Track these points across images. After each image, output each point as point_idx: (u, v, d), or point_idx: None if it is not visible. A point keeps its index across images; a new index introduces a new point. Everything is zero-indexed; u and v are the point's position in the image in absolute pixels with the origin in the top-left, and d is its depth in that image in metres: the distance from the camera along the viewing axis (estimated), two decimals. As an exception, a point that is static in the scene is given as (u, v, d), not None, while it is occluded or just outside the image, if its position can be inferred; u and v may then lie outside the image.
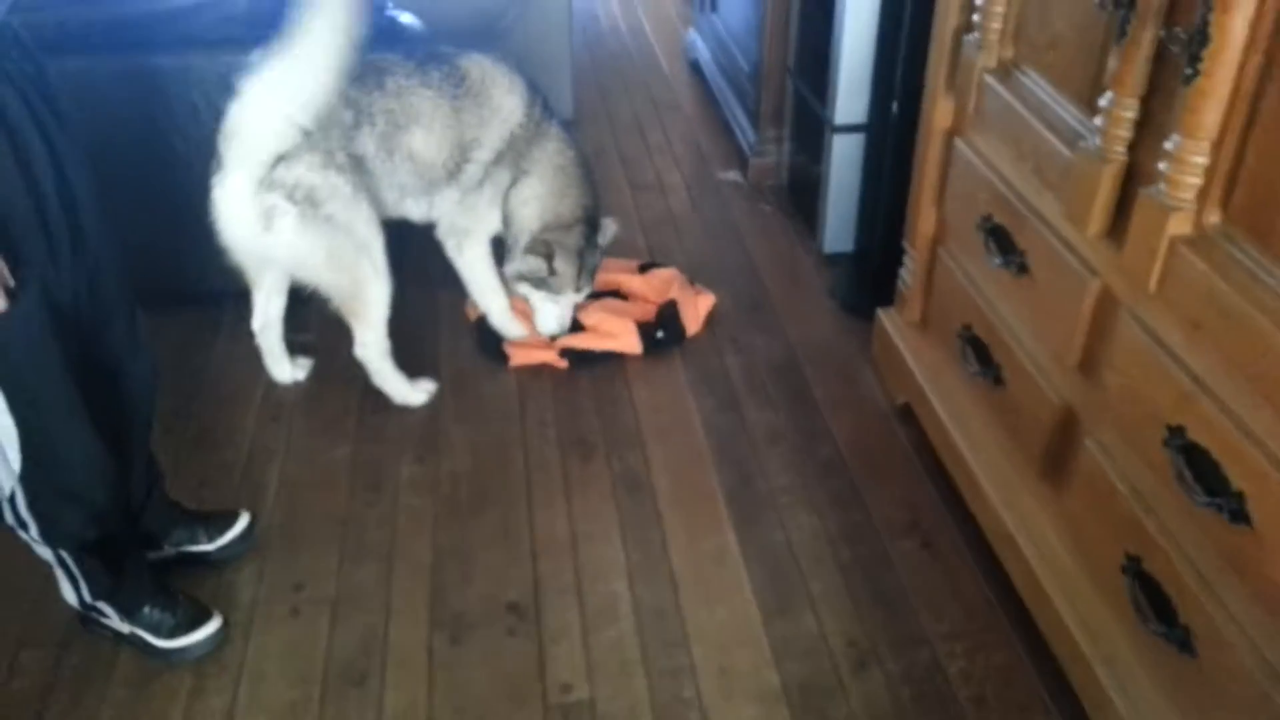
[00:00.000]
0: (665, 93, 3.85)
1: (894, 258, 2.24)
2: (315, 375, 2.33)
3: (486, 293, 2.33)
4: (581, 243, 2.25)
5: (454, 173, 2.11)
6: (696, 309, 2.48)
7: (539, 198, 2.20)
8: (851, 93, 2.48)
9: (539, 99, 2.16)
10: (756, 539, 1.90)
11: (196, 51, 2.13)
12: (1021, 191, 1.62)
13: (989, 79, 1.65)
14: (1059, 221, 1.51)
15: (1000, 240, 1.70)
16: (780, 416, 2.22)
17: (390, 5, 2.29)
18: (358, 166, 1.97)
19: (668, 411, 2.24)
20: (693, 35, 4.01)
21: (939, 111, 1.87)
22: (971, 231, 1.79)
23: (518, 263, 2.24)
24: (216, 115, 1.90)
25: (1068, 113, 1.47)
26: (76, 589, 1.58)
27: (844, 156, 2.59)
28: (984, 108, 1.69)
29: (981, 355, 1.83)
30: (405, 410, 2.22)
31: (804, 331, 2.49)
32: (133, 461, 1.66)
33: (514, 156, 2.15)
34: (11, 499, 1.45)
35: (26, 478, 1.42)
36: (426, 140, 2.03)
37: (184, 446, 2.11)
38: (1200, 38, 1.03)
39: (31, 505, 1.45)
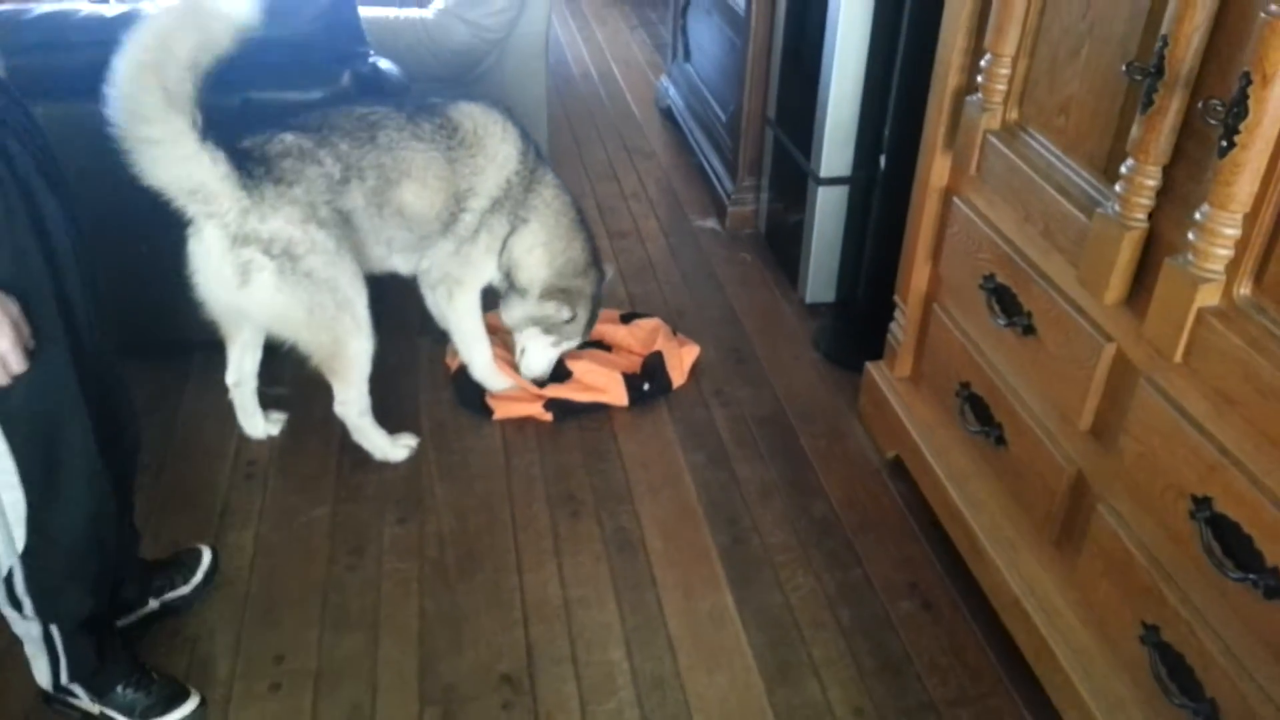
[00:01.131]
0: (638, 139, 3.84)
1: (880, 310, 2.22)
2: (290, 430, 2.24)
3: (472, 343, 2.27)
4: (597, 289, 2.28)
5: (448, 224, 2.07)
6: (681, 360, 2.45)
7: (544, 244, 2.19)
8: (836, 145, 2.48)
9: (532, 145, 2.14)
10: (754, 600, 1.85)
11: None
12: (1028, 253, 1.61)
13: (993, 139, 1.64)
14: (1070, 285, 1.50)
15: (1004, 300, 1.68)
16: (771, 471, 2.18)
17: (372, 53, 2.24)
18: (344, 221, 1.91)
19: (657, 466, 2.19)
20: (664, 83, 4.01)
21: (936, 170, 1.86)
22: (971, 289, 1.77)
23: (531, 308, 2.22)
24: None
25: (1080, 177, 1.46)
26: (54, 669, 1.47)
27: (827, 208, 2.59)
28: (986, 168, 1.68)
29: (981, 414, 1.81)
30: (386, 467, 2.14)
31: (789, 383, 2.46)
32: (125, 525, 1.59)
33: (511, 204, 2.12)
34: (9, 578, 1.36)
35: (29, 553, 1.34)
36: (419, 194, 1.98)
37: (153, 508, 2.00)
38: (1239, 110, 1.02)
39: (30, 581, 1.36)
